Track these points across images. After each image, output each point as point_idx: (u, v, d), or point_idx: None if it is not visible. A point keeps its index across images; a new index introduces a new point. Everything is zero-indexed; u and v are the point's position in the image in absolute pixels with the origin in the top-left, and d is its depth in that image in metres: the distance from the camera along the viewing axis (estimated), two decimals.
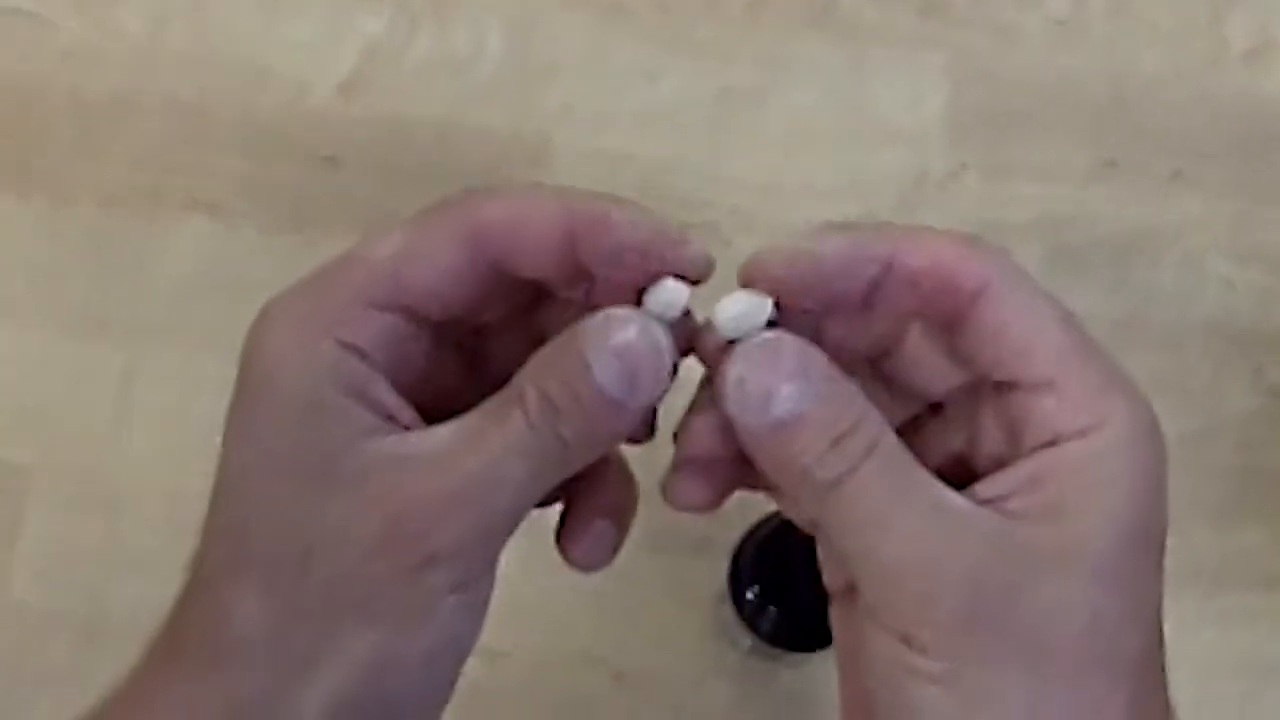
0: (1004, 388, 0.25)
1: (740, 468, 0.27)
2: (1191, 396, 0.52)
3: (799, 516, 0.28)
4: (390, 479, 0.24)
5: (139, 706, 0.25)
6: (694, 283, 0.25)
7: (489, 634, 0.26)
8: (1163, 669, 0.25)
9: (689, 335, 0.26)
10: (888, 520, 0.24)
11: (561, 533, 0.28)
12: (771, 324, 0.25)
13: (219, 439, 0.25)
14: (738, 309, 0.25)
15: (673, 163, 0.54)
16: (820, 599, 0.29)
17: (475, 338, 0.28)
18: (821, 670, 0.48)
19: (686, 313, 0.26)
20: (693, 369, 0.26)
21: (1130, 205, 0.54)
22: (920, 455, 0.25)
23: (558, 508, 0.28)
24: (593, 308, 0.25)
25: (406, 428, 0.25)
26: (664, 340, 0.24)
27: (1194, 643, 0.49)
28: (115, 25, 0.55)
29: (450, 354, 0.27)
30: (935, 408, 0.28)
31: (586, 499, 0.27)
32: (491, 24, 0.56)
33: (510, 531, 0.25)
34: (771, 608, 0.44)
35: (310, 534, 0.24)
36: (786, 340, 0.24)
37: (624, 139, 0.55)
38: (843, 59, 0.56)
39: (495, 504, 0.24)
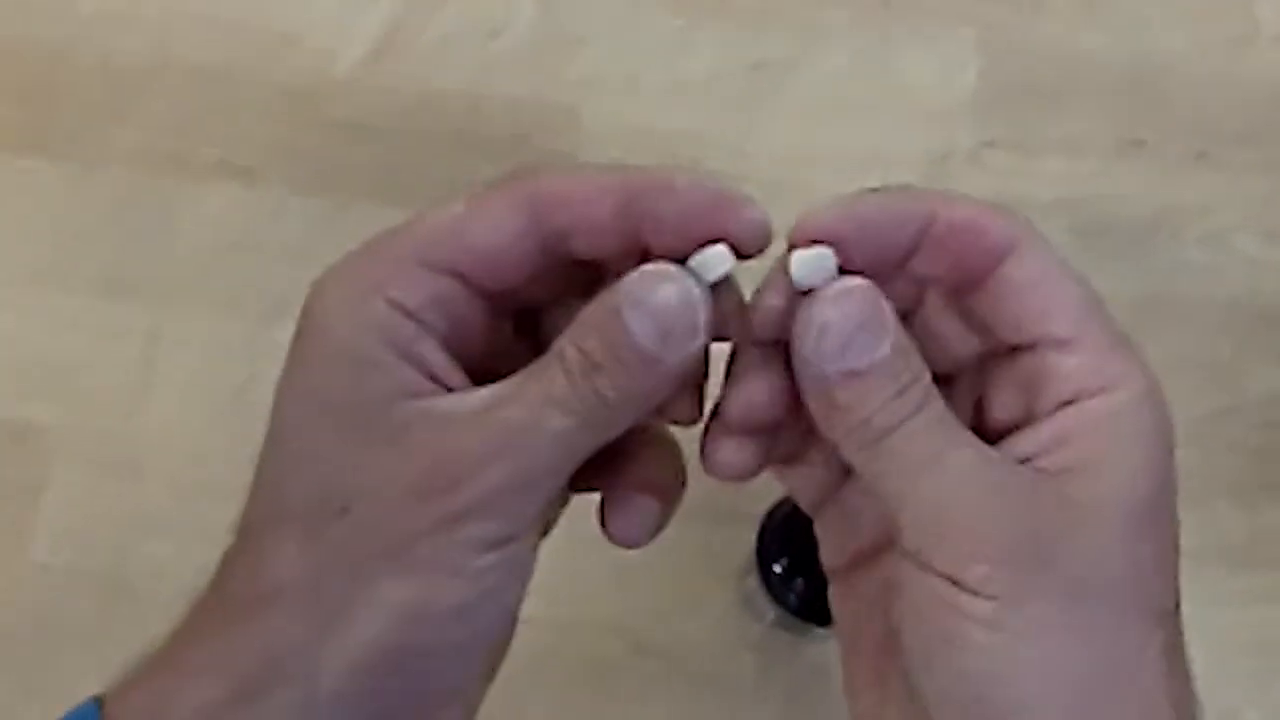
0: (1018, 351, 0.26)
1: (776, 436, 0.27)
2: (1215, 374, 0.53)
3: (804, 496, 0.29)
4: (429, 433, 0.24)
5: (178, 657, 0.25)
6: (748, 256, 0.25)
7: None
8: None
9: (735, 308, 0.26)
10: (942, 458, 0.24)
11: (604, 506, 0.28)
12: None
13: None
14: (811, 256, 0.25)
15: (702, 134, 0.54)
16: None
17: (532, 317, 0.28)
18: None
19: (728, 280, 0.25)
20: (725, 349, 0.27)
21: (1156, 183, 0.55)
22: None
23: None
24: None
25: (453, 390, 0.25)
26: (699, 296, 0.24)
27: (1215, 620, 0.49)
28: None
29: (508, 328, 0.28)
30: (941, 382, 0.28)
31: (629, 474, 0.27)
32: None
33: (552, 491, 0.25)
34: (799, 580, 0.44)
35: (349, 484, 0.24)
36: (866, 288, 0.25)
37: (652, 110, 0.55)
38: (874, 33, 0.56)
39: (533, 454, 0.24)
